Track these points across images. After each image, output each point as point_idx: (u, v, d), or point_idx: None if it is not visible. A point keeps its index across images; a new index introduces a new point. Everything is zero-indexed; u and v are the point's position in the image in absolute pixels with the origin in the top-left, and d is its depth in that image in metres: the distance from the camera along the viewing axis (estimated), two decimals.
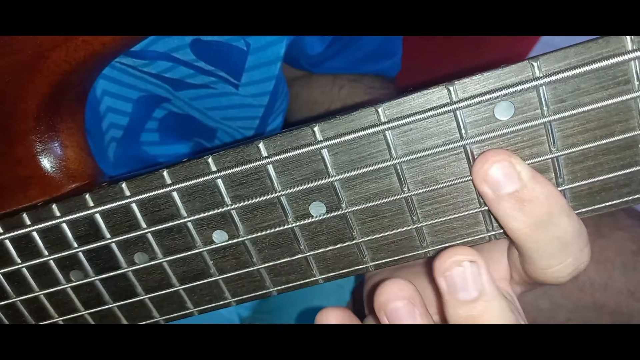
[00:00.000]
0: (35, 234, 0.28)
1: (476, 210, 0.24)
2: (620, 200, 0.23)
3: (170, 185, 0.25)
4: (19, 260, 0.28)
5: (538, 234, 0.23)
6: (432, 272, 0.24)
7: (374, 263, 0.26)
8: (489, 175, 0.22)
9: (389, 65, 0.58)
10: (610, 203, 0.23)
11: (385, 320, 0.24)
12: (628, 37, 0.20)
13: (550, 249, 0.23)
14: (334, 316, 0.26)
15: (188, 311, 0.29)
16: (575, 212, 0.24)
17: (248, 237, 0.26)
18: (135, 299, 0.29)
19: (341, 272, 0.27)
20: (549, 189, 0.22)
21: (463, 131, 0.23)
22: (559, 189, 0.23)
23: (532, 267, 0.25)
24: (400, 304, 0.24)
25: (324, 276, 0.27)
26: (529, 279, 0.26)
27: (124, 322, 0.30)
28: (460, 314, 0.23)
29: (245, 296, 0.28)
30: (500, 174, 0.22)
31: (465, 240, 0.25)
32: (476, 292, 0.23)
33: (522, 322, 0.25)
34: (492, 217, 0.24)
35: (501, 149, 0.23)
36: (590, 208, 0.23)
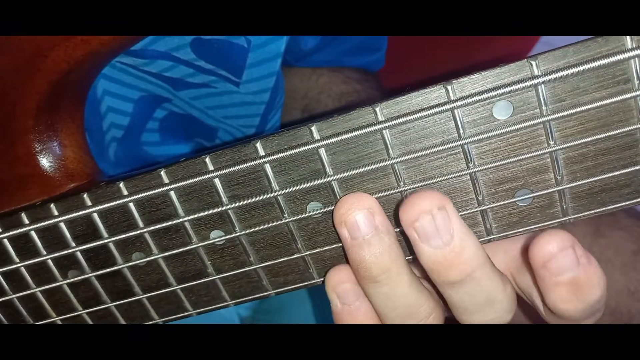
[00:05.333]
0: (33, 233, 0.28)
1: (475, 210, 0.24)
2: (621, 201, 0.23)
3: (167, 184, 0.25)
4: (17, 260, 0.28)
5: (583, 314, 0.24)
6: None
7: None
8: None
9: (373, 61, 0.58)
10: (611, 207, 0.23)
11: (346, 235, 0.24)
12: (627, 36, 0.20)
13: (584, 316, 0.24)
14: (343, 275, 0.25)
15: (186, 313, 0.29)
16: (576, 215, 0.24)
17: (244, 232, 0.26)
18: (133, 299, 0.29)
19: None
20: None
21: (461, 131, 0.22)
22: (558, 188, 0.23)
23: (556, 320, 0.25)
24: (360, 214, 0.23)
25: (322, 278, 0.27)
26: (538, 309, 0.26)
27: (122, 322, 0.30)
28: (437, 260, 0.23)
29: (244, 298, 0.28)
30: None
31: None
32: (448, 236, 0.22)
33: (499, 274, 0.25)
34: (491, 217, 0.24)
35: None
36: (591, 212, 0.23)
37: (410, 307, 0.25)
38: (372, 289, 0.25)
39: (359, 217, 0.23)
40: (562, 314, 0.24)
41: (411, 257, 0.25)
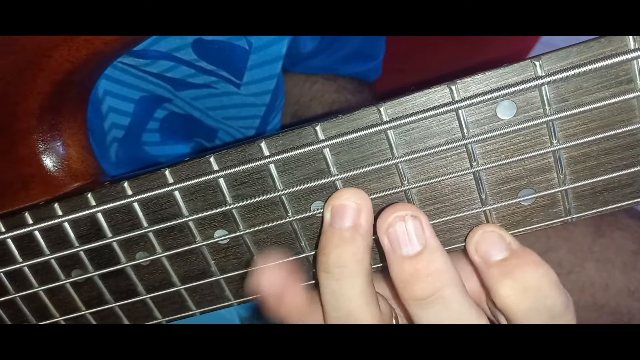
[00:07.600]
0: (37, 233, 0.28)
1: (478, 210, 0.24)
2: (623, 201, 0.23)
3: (172, 184, 0.25)
4: (20, 259, 0.28)
5: (527, 304, 0.23)
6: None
7: (375, 266, 0.26)
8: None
9: (369, 69, 0.57)
10: (613, 206, 0.23)
11: (327, 218, 0.24)
12: (630, 36, 0.20)
13: (533, 312, 0.23)
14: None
15: (190, 312, 0.29)
16: (579, 214, 0.24)
17: (248, 230, 0.26)
18: (137, 299, 0.29)
19: None
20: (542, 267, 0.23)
21: (465, 130, 0.23)
22: (561, 188, 0.23)
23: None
24: (349, 206, 0.24)
25: None
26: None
27: (126, 322, 0.30)
28: (405, 269, 0.23)
29: (247, 297, 0.28)
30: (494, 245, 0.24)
31: None
32: (420, 246, 0.23)
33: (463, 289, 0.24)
34: (494, 217, 0.24)
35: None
36: (594, 211, 0.23)
37: (352, 315, 0.24)
38: (323, 278, 0.24)
39: (347, 209, 0.24)
40: (506, 305, 0.23)
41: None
